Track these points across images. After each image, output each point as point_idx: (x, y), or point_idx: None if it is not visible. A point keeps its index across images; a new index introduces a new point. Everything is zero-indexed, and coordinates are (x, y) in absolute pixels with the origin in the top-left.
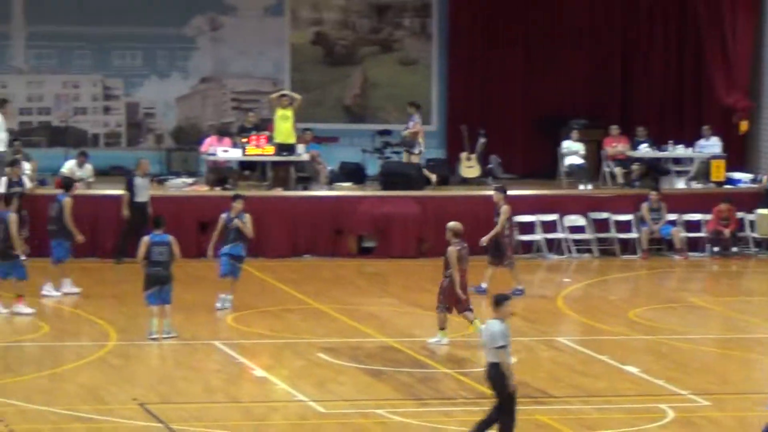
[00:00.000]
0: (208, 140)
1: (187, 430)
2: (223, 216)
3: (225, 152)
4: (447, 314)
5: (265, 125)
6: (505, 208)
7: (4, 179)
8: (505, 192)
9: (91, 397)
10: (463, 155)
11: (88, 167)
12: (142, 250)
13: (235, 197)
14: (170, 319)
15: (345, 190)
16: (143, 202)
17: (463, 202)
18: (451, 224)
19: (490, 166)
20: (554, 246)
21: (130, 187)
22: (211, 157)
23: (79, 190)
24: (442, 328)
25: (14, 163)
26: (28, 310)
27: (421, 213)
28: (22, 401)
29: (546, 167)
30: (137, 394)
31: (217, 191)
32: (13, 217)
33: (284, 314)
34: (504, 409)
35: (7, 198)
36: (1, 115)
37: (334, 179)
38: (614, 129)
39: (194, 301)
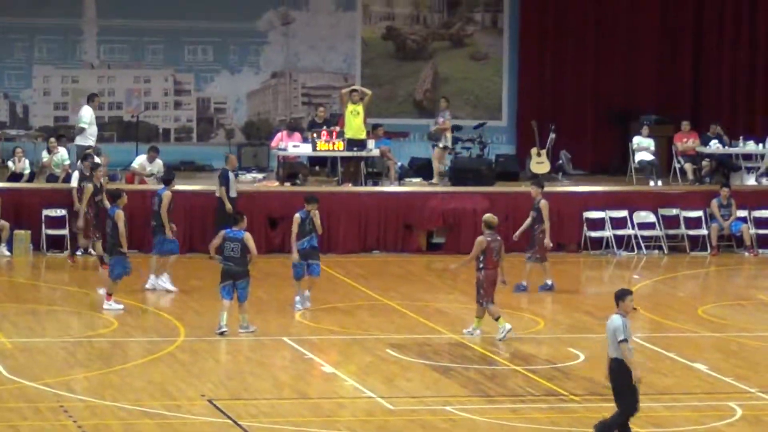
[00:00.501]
0: (278, 135)
1: (255, 426)
2: (298, 216)
3: (295, 147)
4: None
5: (335, 120)
6: (543, 203)
7: (76, 173)
8: (542, 186)
9: (159, 393)
10: (533, 151)
11: (159, 162)
12: (215, 241)
13: (311, 199)
14: (246, 314)
15: (415, 185)
16: (235, 198)
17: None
18: (486, 216)
19: (559, 161)
20: (624, 242)
21: (226, 183)
22: (282, 153)
23: (149, 185)
24: (496, 318)
25: (86, 158)
26: (118, 306)
27: (491, 209)
28: (91, 397)
29: (616, 163)
30: (206, 390)
31: (288, 187)
32: (120, 214)
33: (353, 310)
34: (620, 404)
35: (113, 195)
36: (91, 108)
37: (404, 175)
38: (685, 125)
39: (263, 297)
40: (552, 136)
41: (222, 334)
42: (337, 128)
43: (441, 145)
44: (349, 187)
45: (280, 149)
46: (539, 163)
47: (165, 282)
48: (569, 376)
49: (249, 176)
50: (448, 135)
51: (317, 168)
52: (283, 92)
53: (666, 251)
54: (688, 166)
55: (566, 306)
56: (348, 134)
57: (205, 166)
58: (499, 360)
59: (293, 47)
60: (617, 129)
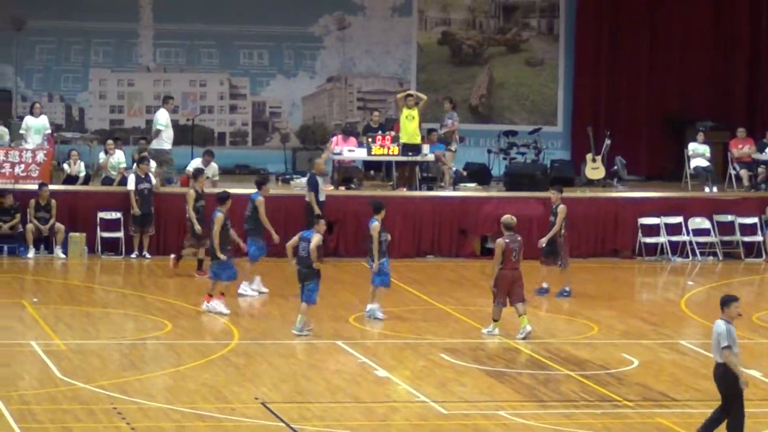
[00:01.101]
0: (333, 139)
1: (309, 430)
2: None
3: (350, 152)
4: (522, 305)
5: (390, 125)
6: (562, 208)
7: (132, 176)
8: (561, 191)
9: (213, 396)
10: (589, 156)
11: (214, 166)
12: (292, 240)
13: (378, 208)
14: (305, 316)
15: (469, 190)
16: (323, 202)
17: (588, 203)
18: (504, 217)
19: (615, 167)
20: (678, 248)
21: (314, 187)
22: (337, 157)
23: (207, 188)
24: (495, 320)
25: (143, 161)
26: (223, 309)
27: (546, 214)
28: (144, 399)
29: (671, 169)
30: (259, 393)
31: (343, 191)
32: (219, 217)
33: (407, 314)
34: (730, 409)
35: (220, 198)
36: (165, 110)
37: (458, 180)
38: (741, 132)
39: (319, 302)
40: (607, 141)
41: (297, 334)
42: (392, 133)
43: (453, 148)
44: (403, 192)
45: (335, 153)
46: (594, 169)
47: (257, 284)
48: (623, 381)
49: (304, 180)
50: (456, 138)
51: (372, 172)
52: (338, 97)
53: (721, 258)
54: (743, 173)
55: (621, 312)
56: (403, 139)
57: (260, 169)
58: (553, 365)
59: (349, 52)
60: (672, 135)
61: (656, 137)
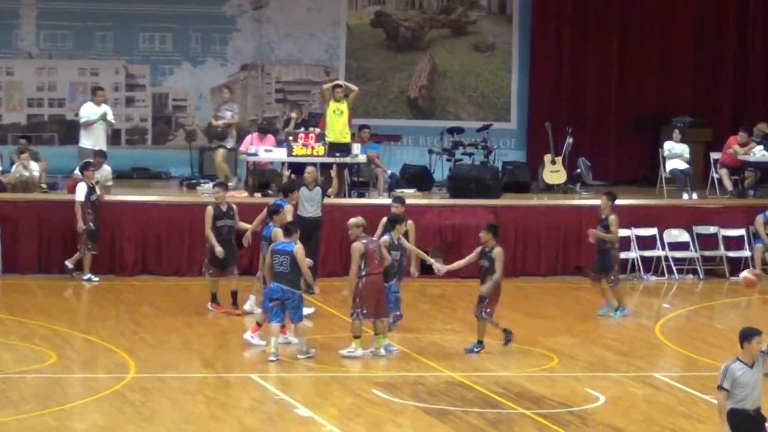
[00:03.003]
0: (248, 138)
1: None
2: (386, 238)
3: (268, 152)
4: (377, 320)
5: (315, 121)
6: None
7: (83, 186)
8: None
9: None
10: (547, 158)
11: (106, 169)
12: (267, 258)
13: (396, 199)
14: (304, 338)
15: (408, 197)
16: (314, 217)
17: (546, 213)
18: (352, 219)
19: (578, 170)
20: (652, 265)
21: (297, 189)
22: (252, 158)
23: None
24: (356, 337)
25: (88, 167)
26: (261, 343)
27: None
28: None
29: (643, 173)
30: None
31: (259, 198)
32: (276, 232)
33: (333, 343)
34: None
35: (271, 211)
36: (92, 104)
37: (395, 185)
38: (743, 136)
39: (228, 327)
40: (569, 140)
41: (271, 360)
42: (317, 130)
43: (229, 145)
44: (330, 199)
45: (250, 154)
46: (554, 172)
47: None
48: (587, 421)
49: (212, 185)
50: (234, 133)
51: (293, 176)
52: (253, 88)
53: (702, 276)
54: (724, 173)
55: (585, 339)
56: (330, 137)
57: (162, 173)
58: (505, 402)
59: (266, 35)
60: (645, 133)
61: (626, 135)
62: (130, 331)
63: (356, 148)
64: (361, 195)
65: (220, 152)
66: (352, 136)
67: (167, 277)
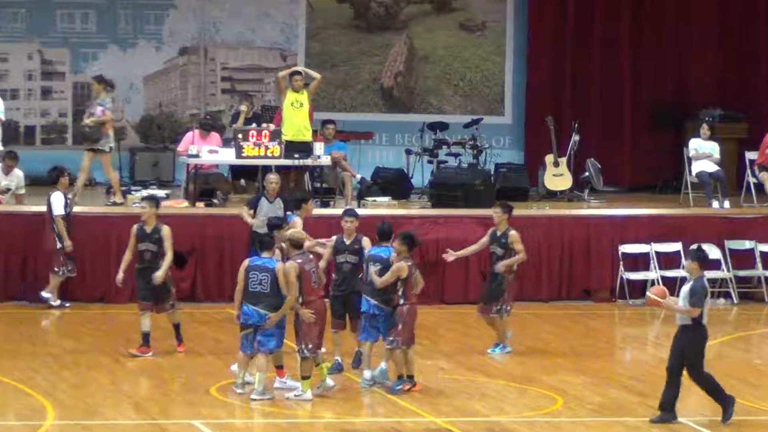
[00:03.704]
0: (188, 136)
1: None
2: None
3: (212, 153)
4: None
5: (269, 115)
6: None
7: (59, 196)
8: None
9: None
10: (549, 159)
11: (18, 174)
12: (239, 276)
13: (348, 213)
14: (264, 374)
15: (381, 207)
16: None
17: (548, 225)
18: (290, 232)
19: (586, 174)
20: (676, 288)
21: (254, 206)
22: (193, 160)
23: (5, 204)
24: (304, 377)
25: (62, 174)
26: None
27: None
28: None
29: (665, 177)
30: None
31: (201, 209)
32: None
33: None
34: None
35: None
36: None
37: (365, 191)
38: None
39: (164, 365)
40: (575, 138)
41: (240, 394)
42: (272, 126)
43: (106, 148)
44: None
45: (191, 155)
46: (557, 176)
47: None
48: None
49: (146, 193)
50: (111, 132)
51: (243, 182)
52: (194, 75)
53: (736, 300)
54: (765, 176)
55: (595, 377)
56: (287, 135)
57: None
58: None
59: (209, 13)
60: (666, 129)
61: (643, 132)
62: (47, 370)
63: (319, 147)
64: (325, 204)
65: (87, 156)
66: (314, 133)
67: (92, 304)
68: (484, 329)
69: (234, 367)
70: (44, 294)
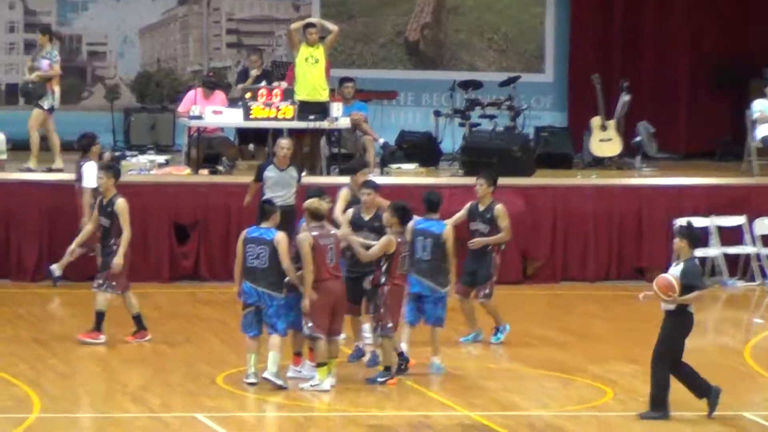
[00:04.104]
0: (190, 95)
1: None
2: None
3: (217, 115)
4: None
5: (280, 72)
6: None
7: (93, 166)
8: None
9: None
10: (595, 122)
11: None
12: (237, 249)
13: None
14: (278, 354)
15: (406, 175)
16: (287, 206)
17: (595, 196)
18: (308, 202)
19: (637, 138)
20: (738, 266)
21: (260, 175)
22: (195, 123)
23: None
24: (320, 364)
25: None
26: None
27: (529, 213)
28: None
29: (725, 142)
30: None
31: (204, 176)
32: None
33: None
34: None
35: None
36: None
37: (388, 158)
38: None
39: (165, 351)
40: (624, 98)
41: (251, 384)
42: (284, 85)
43: (46, 105)
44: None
45: (192, 117)
46: (605, 141)
47: None
48: None
49: (143, 159)
50: (56, 88)
51: (251, 147)
52: (196, 27)
53: None
54: None
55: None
56: (300, 94)
57: (73, 142)
58: None
59: None
60: (727, 89)
61: (701, 92)
62: (33, 356)
63: (336, 108)
64: (343, 172)
65: (35, 115)
66: (331, 92)
67: (82, 282)
68: (525, 313)
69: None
70: (54, 268)
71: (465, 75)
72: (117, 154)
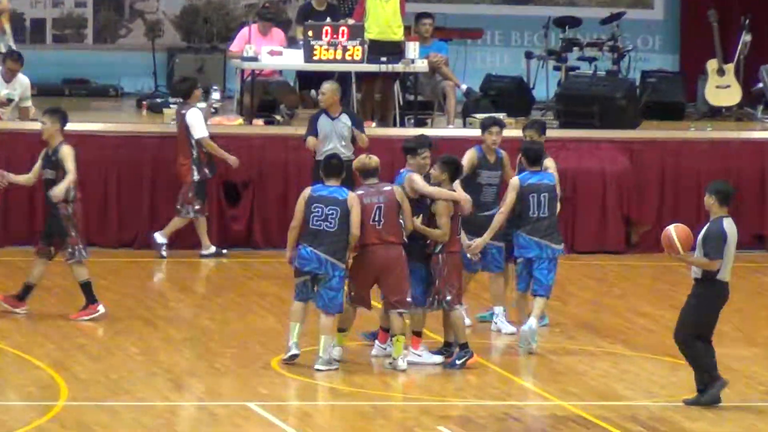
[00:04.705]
0: (243, 33)
1: None
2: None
3: (275, 55)
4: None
5: (348, 7)
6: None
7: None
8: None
9: None
10: (711, 66)
11: (23, 80)
12: (297, 208)
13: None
14: (330, 336)
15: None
16: (346, 158)
17: (711, 151)
18: (358, 160)
19: (760, 85)
20: None
21: (313, 127)
22: (250, 65)
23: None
24: (342, 330)
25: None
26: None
27: (633, 172)
28: None
29: None
30: None
31: (260, 127)
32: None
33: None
34: None
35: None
36: None
37: (472, 106)
38: None
39: (210, 326)
40: (745, 39)
41: (292, 358)
42: (351, 21)
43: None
44: (372, 128)
45: (246, 58)
46: (722, 88)
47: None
48: None
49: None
50: (7, 26)
51: (314, 94)
52: None
53: None
54: None
55: None
56: (371, 32)
57: (110, 87)
58: None
59: None
60: None
61: None
62: (60, 336)
63: (413, 49)
64: (420, 123)
65: None
66: (407, 30)
67: (117, 250)
68: (628, 287)
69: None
70: (159, 237)
71: (561, 11)
72: (215, 99)
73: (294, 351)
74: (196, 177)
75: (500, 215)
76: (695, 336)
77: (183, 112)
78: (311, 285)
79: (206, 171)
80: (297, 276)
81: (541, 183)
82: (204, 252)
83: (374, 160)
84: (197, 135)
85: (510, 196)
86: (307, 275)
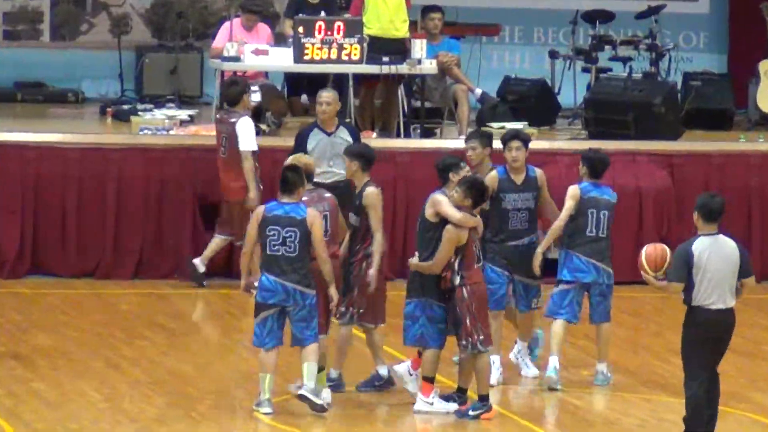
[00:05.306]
0: (224, 29)
1: None
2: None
3: (260, 55)
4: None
5: (344, 0)
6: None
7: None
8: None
9: None
10: (764, 67)
11: None
12: (249, 230)
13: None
14: (312, 364)
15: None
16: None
17: (763, 164)
18: (296, 158)
19: None
20: None
21: (302, 145)
22: (231, 66)
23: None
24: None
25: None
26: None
27: (673, 189)
28: None
29: None
30: None
31: None
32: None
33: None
34: None
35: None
36: None
37: (488, 114)
38: None
39: (186, 372)
40: None
41: (267, 414)
42: (349, 16)
43: None
44: (370, 138)
45: (227, 58)
46: None
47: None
48: None
49: (160, 115)
50: None
51: (304, 99)
52: None
53: None
54: None
55: None
56: (372, 28)
57: (68, 91)
58: None
59: None
60: None
61: None
62: (11, 378)
63: (419, 47)
64: (427, 133)
65: None
66: (412, 25)
67: (77, 280)
68: (665, 323)
69: (293, 387)
70: (197, 261)
71: (591, 3)
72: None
73: (267, 409)
74: (251, 194)
75: (560, 222)
76: (689, 375)
77: (233, 120)
78: (278, 320)
79: (252, 192)
80: (259, 311)
81: (602, 198)
82: (196, 260)
83: (307, 159)
84: (245, 147)
85: (568, 204)
86: (273, 308)
